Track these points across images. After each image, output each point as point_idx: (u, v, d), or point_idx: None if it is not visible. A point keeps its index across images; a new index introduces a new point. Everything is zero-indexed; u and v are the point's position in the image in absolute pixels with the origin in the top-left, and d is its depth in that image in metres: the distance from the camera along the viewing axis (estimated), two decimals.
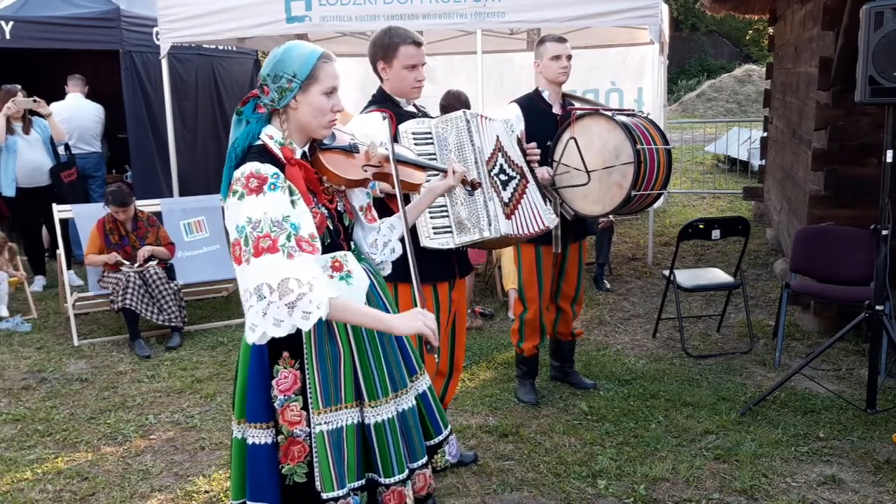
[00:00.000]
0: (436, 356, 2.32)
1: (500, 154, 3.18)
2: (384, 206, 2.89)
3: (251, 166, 2.03)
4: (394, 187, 2.35)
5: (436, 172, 2.63)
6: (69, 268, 6.31)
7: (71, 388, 4.67)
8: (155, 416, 4.23)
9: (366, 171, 2.29)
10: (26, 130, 6.47)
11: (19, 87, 6.50)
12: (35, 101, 6.38)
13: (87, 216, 5.76)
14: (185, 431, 4.05)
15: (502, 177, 3.18)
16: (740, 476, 3.40)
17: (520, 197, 3.23)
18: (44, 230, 6.93)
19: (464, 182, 2.63)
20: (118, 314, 5.33)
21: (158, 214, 5.98)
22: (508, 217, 3.14)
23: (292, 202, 2.04)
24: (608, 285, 6.45)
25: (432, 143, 3.03)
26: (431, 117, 3.22)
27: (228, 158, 2.13)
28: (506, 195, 3.17)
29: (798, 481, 3.39)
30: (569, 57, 3.95)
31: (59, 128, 6.67)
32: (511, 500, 3.30)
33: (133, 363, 5.07)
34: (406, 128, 3.02)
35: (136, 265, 5.38)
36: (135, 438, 3.98)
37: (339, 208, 2.25)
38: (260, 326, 1.98)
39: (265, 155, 2.09)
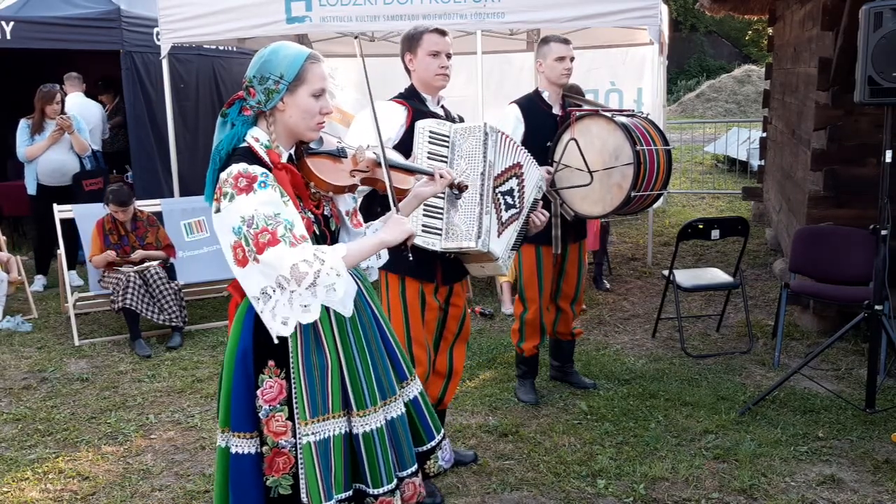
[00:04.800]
0: (409, 255, 2.24)
1: (514, 179, 3.11)
2: (369, 210, 2.87)
3: (238, 167, 2.00)
4: (383, 192, 2.30)
5: (423, 176, 2.55)
6: (71, 268, 6.32)
7: (71, 387, 4.68)
8: (155, 416, 4.24)
9: (354, 176, 2.23)
10: None
11: (58, 86, 6.53)
12: (67, 123, 6.43)
13: (87, 216, 5.76)
14: (186, 431, 4.05)
15: (508, 199, 3.11)
16: (739, 475, 3.41)
17: (507, 225, 3.13)
18: None
19: (451, 186, 2.57)
20: (119, 314, 5.34)
21: (159, 214, 5.98)
22: (499, 235, 3.07)
23: (283, 202, 2.02)
24: (608, 285, 6.46)
25: (447, 147, 3.00)
26: (460, 121, 3.21)
27: (212, 161, 2.09)
28: (504, 216, 3.11)
29: (797, 481, 3.39)
30: (572, 59, 3.96)
31: (83, 142, 6.65)
32: (511, 500, 3.31)
33: (134, 363, 5.07)
34: (425, 125, 2.97)
35: (134, 268, 5.39)
36: (135, 438, 3.98)
37: (325, 213, 2.22)
38: (292, 317, 2.00)
39: (251, 157, 2.05)
